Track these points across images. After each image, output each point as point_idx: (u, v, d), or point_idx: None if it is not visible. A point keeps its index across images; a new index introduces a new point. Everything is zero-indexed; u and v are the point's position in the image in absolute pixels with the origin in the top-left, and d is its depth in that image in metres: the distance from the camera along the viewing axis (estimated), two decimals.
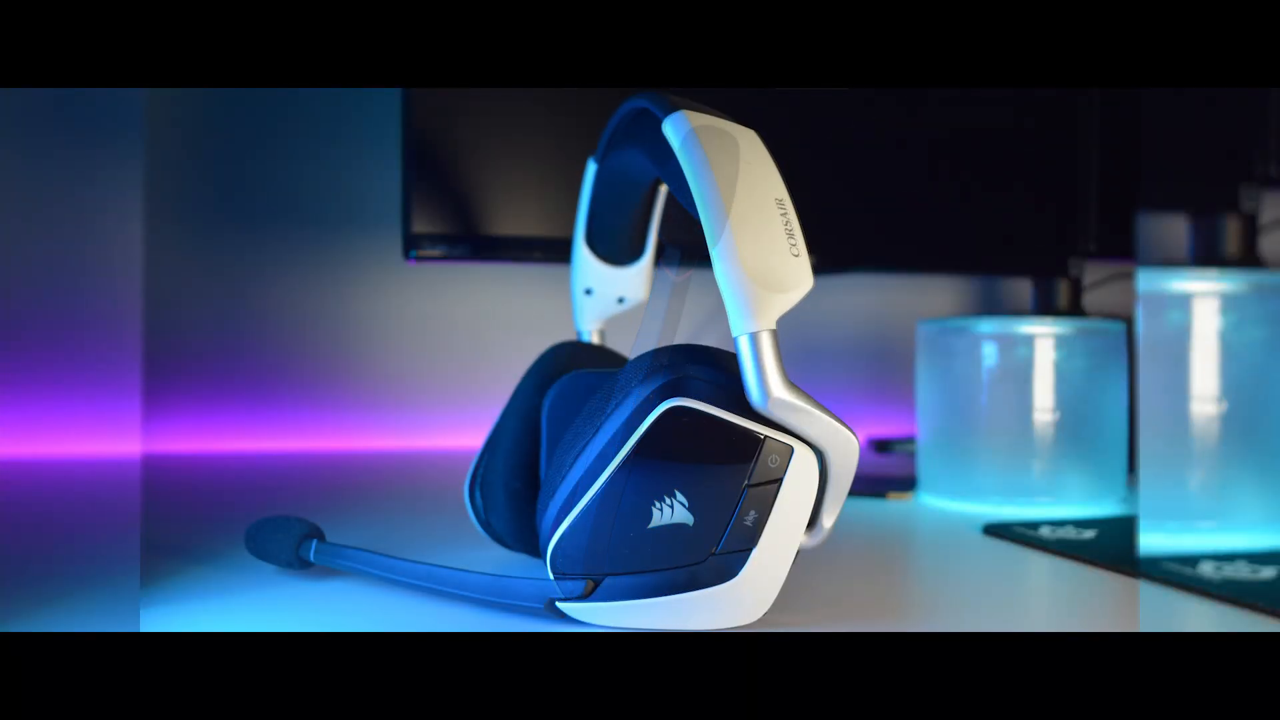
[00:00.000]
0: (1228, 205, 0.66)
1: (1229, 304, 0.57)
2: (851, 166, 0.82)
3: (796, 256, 0.37)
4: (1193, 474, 0.57)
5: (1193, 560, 0.48)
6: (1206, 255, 0.67)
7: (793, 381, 0.37)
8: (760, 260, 0.36)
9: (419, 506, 0.67)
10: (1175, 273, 0.57)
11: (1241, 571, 0.47)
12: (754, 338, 0.36)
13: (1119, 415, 0.69)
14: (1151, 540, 0.54)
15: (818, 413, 0.37)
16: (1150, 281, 0.57)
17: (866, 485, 0.72)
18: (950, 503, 0.69)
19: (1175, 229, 0.70)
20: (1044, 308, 0.90)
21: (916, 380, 0.73)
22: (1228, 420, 0.57)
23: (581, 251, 0.55)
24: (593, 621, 0.38)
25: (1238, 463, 0.57)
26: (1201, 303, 0.57)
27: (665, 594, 0.37)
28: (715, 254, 0.37)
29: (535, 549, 0.46)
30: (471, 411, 0.74)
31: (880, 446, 0.95)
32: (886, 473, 0.80)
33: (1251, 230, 0.67)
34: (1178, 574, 0.46)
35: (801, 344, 0.96)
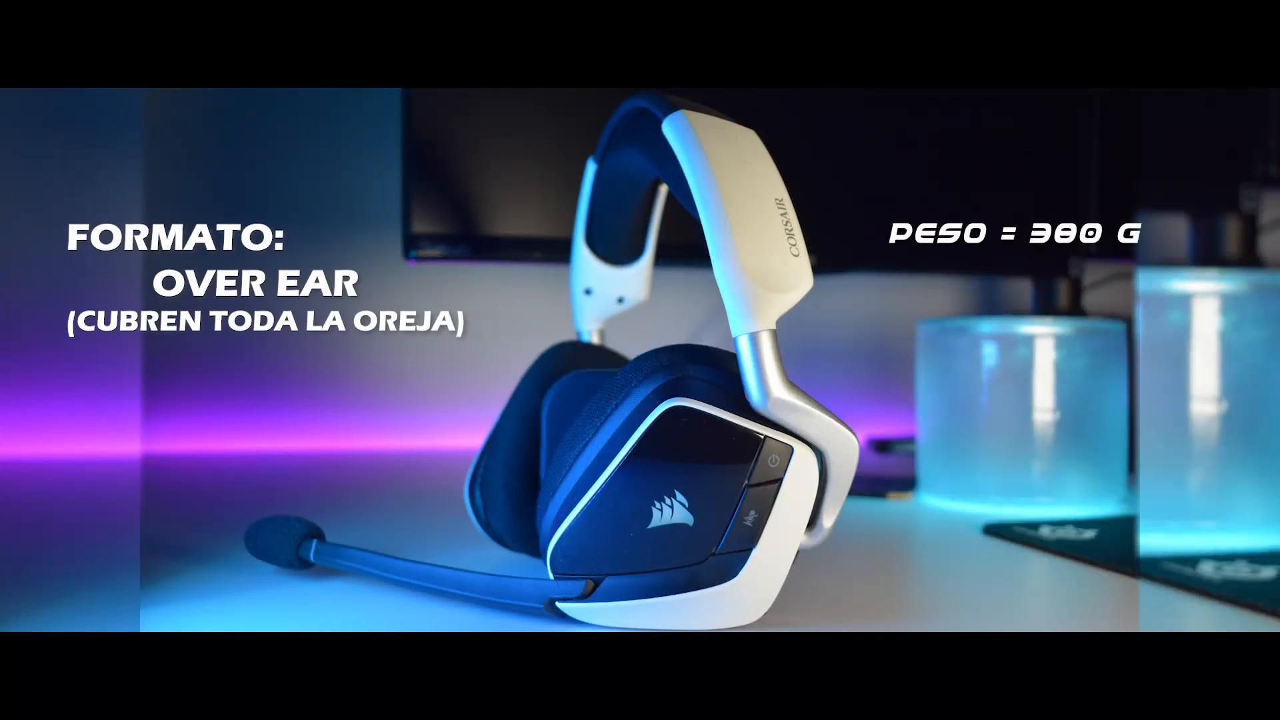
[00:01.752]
0: (1228, 205, 0.66)
1: (1229, 304, 0.57)
2: (851, 166, 0.82)
3: (796, 256, 0.37)
4: (1193, 474, 0.57)
5: (1193, 560, 0.48)
6: (1206, 255, 0.66)
7: (792, 381, 0.37)
8: (760, 260, 0.36)
9: (419, 506, 0.67)
10: (1175, 273, 0.57)
11: (1241, 571, 0.47)
12: (754, 338, 0.36)
13: (1119, 415, 0.69)
14: (1151, 540, 0.54)
15: (817, 413, 0.37)
16: (1150, 281, 0.57)
17: (866, 485, 0.72)
18: (950, 503, 0.69)
19: (1175, 229, 0.70)
20: (1044, 308, 0.90)
21: (916, 380, 0.73)
22: (1228, 420, 0.57)
23: (581, 251, 0.55)
24: (593, 622, 0.38)
25: (1238, 463, 0.57)
26: (1201, 303, 0.57)
27: (665, 594, 0.37)
28: (715, 254, 0.37)
29: (535, 549, 0.46)
30: (471, 411, 0.74)
31: (880, 446, 0.95)
32: (886, 473, 0.80)
33: (1251, 230, 0.66)
34: (1178, 574, 0.46)
35: (801, 344, 0.96)
